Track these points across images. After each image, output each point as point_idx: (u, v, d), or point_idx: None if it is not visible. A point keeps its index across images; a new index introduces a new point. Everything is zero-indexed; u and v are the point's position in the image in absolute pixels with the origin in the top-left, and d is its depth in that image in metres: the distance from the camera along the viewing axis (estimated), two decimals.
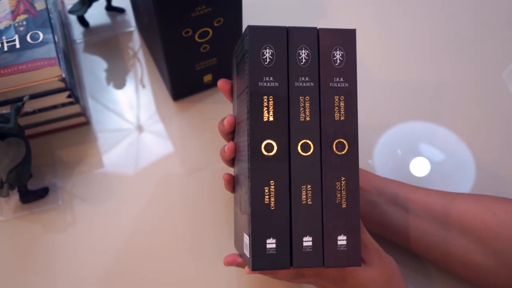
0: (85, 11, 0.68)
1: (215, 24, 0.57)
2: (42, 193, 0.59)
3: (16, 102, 0.55)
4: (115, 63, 0.69)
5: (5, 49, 0.56)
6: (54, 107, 0.60)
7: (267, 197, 0.40)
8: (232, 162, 0.52)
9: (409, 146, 0.65)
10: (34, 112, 0.59)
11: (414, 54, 0.71)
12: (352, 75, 0.41)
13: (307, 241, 0.40)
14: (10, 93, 0.56)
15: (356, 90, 0.41)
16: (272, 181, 0.40)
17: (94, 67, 0.69)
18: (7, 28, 0.57)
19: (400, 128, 0.66)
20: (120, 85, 0.68)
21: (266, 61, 0.40)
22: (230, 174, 0.52)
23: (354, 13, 0.75)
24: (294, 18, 0.74)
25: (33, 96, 0.57)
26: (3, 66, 0.54)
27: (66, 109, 0.61)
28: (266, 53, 0.40)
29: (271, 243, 0.40)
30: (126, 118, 0.66)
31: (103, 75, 0.68)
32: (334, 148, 0.41)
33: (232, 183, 0.52)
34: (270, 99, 0.40)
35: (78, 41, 0.71)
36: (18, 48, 0.56)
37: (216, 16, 0.56)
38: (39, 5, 0.59)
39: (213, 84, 0.67)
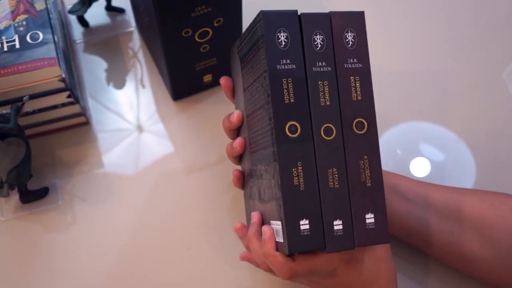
0: (85, 11, 0.68)
1: (215, 24, 0.57)
2: (42, 193, 0.59)
3: (16, 102, 0.55)
4: (115, 63, 0.69)
5: (5, 49, 0.56)
6: (54, 107, 0.60)
7: (296, 178, 0.40)
8: (239, 158, 0.52)
9: (409, 146, 0.65)
10: (34, 112, 0.59)
11: (414, 54, 0.71)
12: (365, 55, 0.42)
13: (338, 225, 0.40)
14: (10, 93, 0.56)
15: (370, 70, 0.42)
16: (299, 162, 0.40)
17: (94, 67, 0.69)
18: (7, 28, 0.57)
19: (400, 128, 0.66)
20: (120, 85, 0.68)
21: (281, 44, 0.40)
22: (240, 171, 0.52)
23: (354, 9, 0.74)
24: None
25: (33, 96, 0.57)
26: (3, 66, 0.54)
27: (66, 109, 0.61)
28: (281, 36, 0.40)
29: (304, 224, 0.40)
30: (126, 118, 0.66)
31: (103, 75, 0.68)
32: (354, 128, 0.41)
33: (242, 179, 0.52)
34: (289, 81, 0.40)
35: (78, 41, 0.71)
36: (18, 48, 0.56)
37: (216, 16, 0.56)
38: (39, 5, 0.59)
39: (213, 84, 0.67)
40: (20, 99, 0.56)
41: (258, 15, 0.41)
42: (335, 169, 0.41)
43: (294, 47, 0.41)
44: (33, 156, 0.56)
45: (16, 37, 0.57)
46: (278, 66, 0.40)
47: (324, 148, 0.41)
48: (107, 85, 0.68)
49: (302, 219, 0.40)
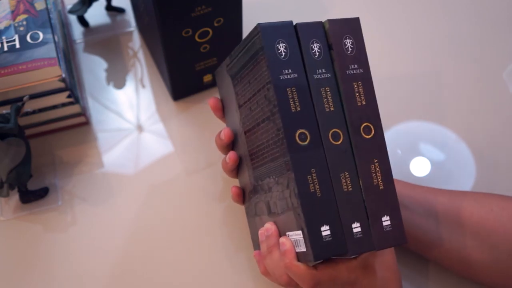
0: (85, 11, 0.68)
1: (215, 24, 0.57)
2: (42, 193, 0.59)
3: (16, 102, 0.55)
4: (115, 63, 0.69)
5: (5, 49, 0.56)
6: (54, 107, 0.60)
7: (311, 185, 0.40)
8: (235, 172, 0.52)
9: (409, 146, 0.65)
10: (34, 112, 0.59)
11: (414, 54, 0.71)
12: (365, 60, 0.43)
13: (356, 227, 0.41)
14: (10, 93, 0.56)
15: (371, 75, 0.43)
16: (313, 169, 0.40)
17: (94, 67, 0.69)
18: (7, 28, 0.57)
19: (400, 128, 0.66)
20: (120, 85, 0.68)
21: (282, 54, 0.41)
22: (238, 187, 0.52)
23: (354, 12, 0.74)
24: (294, 18, 0.74)
25: (33, 96, 0.57)
26: (3, 66, 0.54)
27: (66, 109, 0.61)
28: (281, 47, 0.41)
29: (325, 230, 0.40)
30: (126, 118, 0.66)
31: (103, 75, 0.68)
32: (362, 133, 0.42)
33: (242, 195, 0.52)
34: (294, 90, 0.41)
35: (78, 41, 0.71)
36: (18, 48, 0.56)
37: (216, 16, 0.56)
38: (39, 5, 0.59)
39: (213, 84, 0.67)
40: (20, 99, 0.56)
41: (256, 28, 0.41)
42: (347, 173, 0.41)
43: (293, 57, 0.41)
44: (33, 156, 0.56)
45: (16, 37, 0.57)
46: (281, 76, 0.41)
47: (334, 153, 0.41)
48: (107, 85, 0.68)
49: (323, 225, 0.40)
